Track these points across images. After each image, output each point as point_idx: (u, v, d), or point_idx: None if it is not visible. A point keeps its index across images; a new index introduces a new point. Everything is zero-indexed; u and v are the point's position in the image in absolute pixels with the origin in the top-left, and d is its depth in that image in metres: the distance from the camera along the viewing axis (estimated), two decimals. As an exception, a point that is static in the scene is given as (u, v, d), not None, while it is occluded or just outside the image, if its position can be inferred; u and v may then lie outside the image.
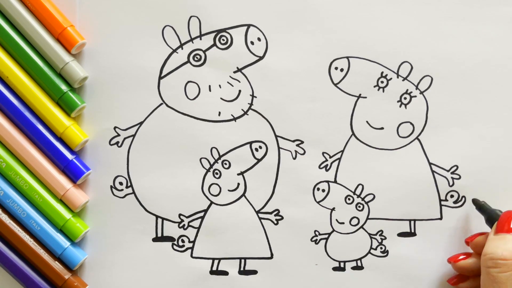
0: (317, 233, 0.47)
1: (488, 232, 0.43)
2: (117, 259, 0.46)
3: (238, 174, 0.47)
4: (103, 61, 0.46)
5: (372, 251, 0.47)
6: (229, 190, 0.47)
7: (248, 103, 0.47)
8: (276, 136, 0.47)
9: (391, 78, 0.47)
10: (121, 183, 0.46)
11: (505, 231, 0.41)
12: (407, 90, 0.47)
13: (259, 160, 0.47)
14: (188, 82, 0.46)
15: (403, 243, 0.47)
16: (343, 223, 0.47)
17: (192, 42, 0.46)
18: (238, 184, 0.47)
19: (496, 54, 0.47)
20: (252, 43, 0.46)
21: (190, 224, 0.47)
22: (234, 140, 0.47)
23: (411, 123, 0.47)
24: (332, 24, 0.46)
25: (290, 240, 0.47)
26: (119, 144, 0.46)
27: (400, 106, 0.47)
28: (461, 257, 0.45)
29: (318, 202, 0.47)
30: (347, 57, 0.47)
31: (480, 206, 0.45)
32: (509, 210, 0.43)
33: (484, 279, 0.41)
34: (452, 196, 0.47)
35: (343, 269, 0.47)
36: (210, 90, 0.46)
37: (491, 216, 0.44)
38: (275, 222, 0.47)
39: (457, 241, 0.47)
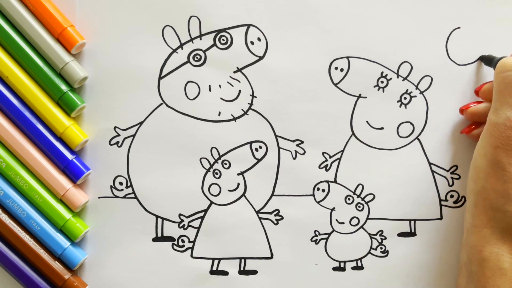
0: (317, 233, 0.47)
1: None
2: (117, 259, 0.46)
3: (238, 174, 0.47)
4: (103, 61, 0.46)
5: (372, 251, 0.47)
6: (229, 190, 0.47)
7: (248, 103, 0.47)
8: (276, 136, 0.47)
9: (391, 78, 0.47)
10: (121, 183, 0.46)
11: None
12: (407, 90, 0.47)
13: (259, 160, 0.47)
14: (188, 82, 0.46)
15: (403, 243, 0.47)
16: (343, 223, 0.47)
17: (192, 42, 0.46)
18: (238, 184, 0.47)
19: (496, 54, 0.47)
20: (252, 43, 0.46)
21: (190, 224, 0.47)
22: (234, 140, 0.47)
23: (411, 123, 0.47)
24: (332, 24, 0.47)
25: (290, 240, 0.47)
26: (119, 144, 0.46)
27: (400, 106, 0.47)
28: (473, 104, 0.45)
29: (318, 202, 0.47)
30: (347, 57, 0.47)
31: (487, 58, 0.45)
32: None
33: (498, 87, 0.40)
34: (452, 196, 0.47)
35: (343, 269, 0.47)
36: (210, 90, 0.46)
37: (501, 59, 0.43)
38: (275, 222, 0.47)
39: (457, 241, 0.47)
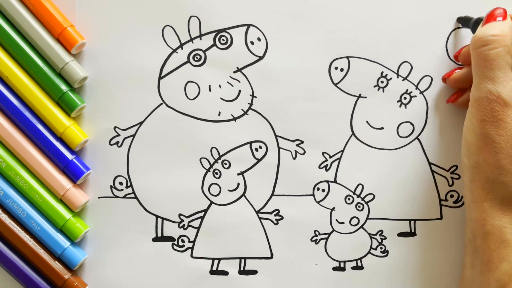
0: (317, 233, 0.47)
1: None
2: (117, 259, 0.46)
3: (238, 174, 0.47)
4: (103, 61, 0.46)
5: (372, 251, 0.47)
6: (229, 190, 0.47)
7: (248, 103, 0.47)
8: (276, 136, 0.47)
9: (391, 78, 0.47)
10: (121, 183, 0.46)
11: (492, 21, 0.41)
12: (407, 90, 0.47)
13: (259, 160, 0.47)
14: (188, 82, 0.46)
15: (403, 243, 0.47)
16: (343, 223, 0.47)
17: (192, 42, 0.46)
18: (238, 184, 0.47)
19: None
20: (252, 43, 0.46)
21: (190, 224, 0.47)
22: (234, 140, 0.47)
23: (411, 123, 0.47)
24: (332, 24, 0.47)
25: (290, 240, 0.47)
26: (119, 144, 0.46)
27: (400, 106, 0.47)
28: (455, 71, 0.46)
29: (318, 202, 0.47)
30: (347, 57, 0.47)
31: (464, 18, 0.46)
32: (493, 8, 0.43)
33: (476, 62, 0.41)
34: (452, 196, 0.47)
35: (343, 269, 0.47)
36: (210, 90, 0.46)
37: (478, 20, 0.44)
38: (275, 222, 0.47)
39: (457, 241, 0.47)
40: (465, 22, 0.46)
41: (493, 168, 0.40)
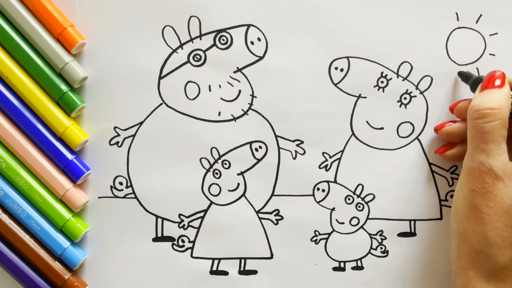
0: (317, 233, 0.47)
1: (471, 98, 0.43)
2: (117, 259, 0.46)
3: (238, 174, 0.47)
4: (103, 61, 0.46)
5: (372, 251, 0.47)
6: (229, 190, 0.47)
7: (248, 103, 0.47)
8: (276, 136, 0.47)
9: (391, 78, 0.47)
10: (121, 183, 0.46)
11: (491, 87, 0.41)
12: (407, 90, 0.47)
13: (259, 160, 0.47)
14: (188, 82, 0.46)
15: (403, 243, 0.47)
16: (343, 223, 0.47)
17: (192, 42, 0.46)
18: (238, 184, 0.47)
19: (496, 53, 0.47)
20: (252, 43, 0.46)
21: (190, 224, 0.47)
22: (234, 140, 0.47)
23: (411, 123, 0.47)
24: (332, 24, 0.47)
25: (290, 240, 0.47)
26: (119, 144, 0.46)
27: (400, 106, 0.47)
28: (448, 123, 0.46)
29: (318, 202, 0.47)
30: (347, 57, 0.47)
31: (465, 75, 0.46)
32: (492, 70, 0.43)
33: (471, 133, 0.40)
34: (452, 196, 0.47)
35: (343, 269, 0.47)
36: (210, 90, 0.46)
37: (476, 79, 0.44)
38: (275, 222, 0.47)
39: (457, 241, 0.47)
40: (465, 78, 0.46)
41: (479, 238, 0.40)
